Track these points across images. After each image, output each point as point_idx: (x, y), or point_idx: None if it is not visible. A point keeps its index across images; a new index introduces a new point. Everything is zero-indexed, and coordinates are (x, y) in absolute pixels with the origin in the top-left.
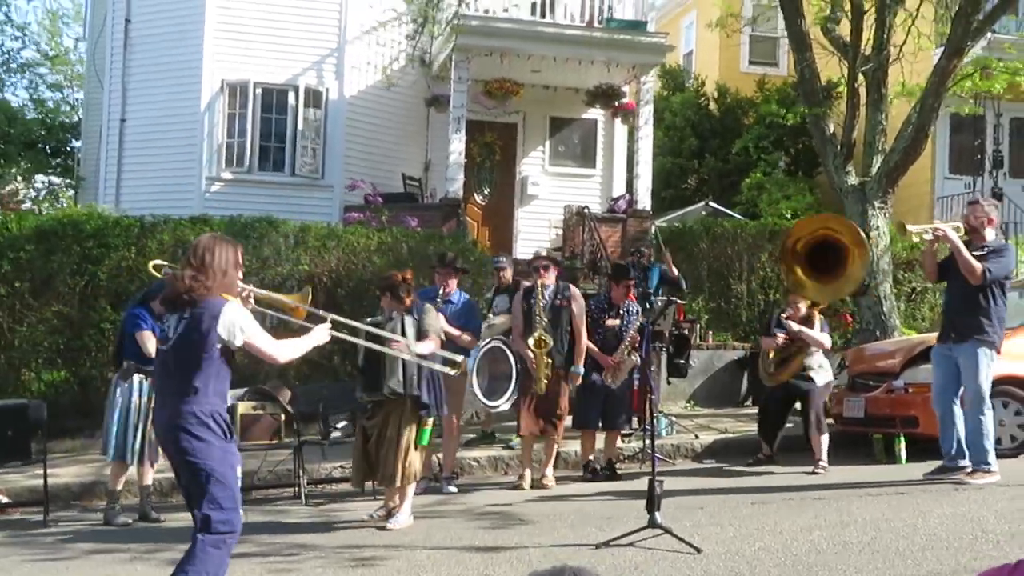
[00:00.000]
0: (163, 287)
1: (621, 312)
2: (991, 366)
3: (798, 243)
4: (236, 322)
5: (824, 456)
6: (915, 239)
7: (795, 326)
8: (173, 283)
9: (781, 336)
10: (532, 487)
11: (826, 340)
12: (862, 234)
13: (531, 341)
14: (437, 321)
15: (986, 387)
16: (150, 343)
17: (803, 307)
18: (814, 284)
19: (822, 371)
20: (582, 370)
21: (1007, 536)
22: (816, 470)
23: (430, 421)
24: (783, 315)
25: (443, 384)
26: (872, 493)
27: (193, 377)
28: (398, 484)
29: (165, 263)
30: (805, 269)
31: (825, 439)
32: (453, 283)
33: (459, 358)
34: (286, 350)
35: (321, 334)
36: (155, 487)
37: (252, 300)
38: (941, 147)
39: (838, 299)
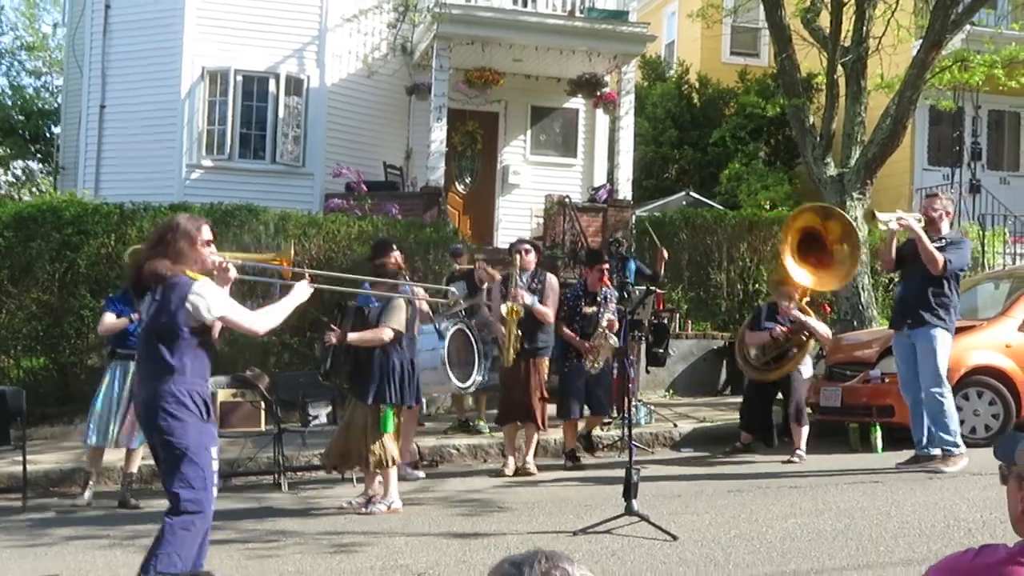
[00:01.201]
0: None
1: (598, 299)
2: (947, 349)
3: (796, 234)
4: (204, 300)
5: (803, 446)
6: (891, 225)
7: (802, 316)
8: (134, 265)
9: (780, 328)
10: (515, 474)
11: (827, 332)
12: (851, 223)
13: (504, 308)
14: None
15: (943, 368)
16: (102, 323)
17: (796, 298)
18: (813, 271)
19: (807, 367)
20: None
21: (978, 524)
22: (792, 459)
23: (386, 408)
24: (786, 306)
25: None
26: (847, 482)
27: (167, 356)
28: (371, 469)
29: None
30: (799, 259)
31: (805, 430)
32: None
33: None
34: (265, 319)
35: (302, 291)
36: (137, 473)
37: (232, 271)
38: (920, 139)
39: (834, 287)
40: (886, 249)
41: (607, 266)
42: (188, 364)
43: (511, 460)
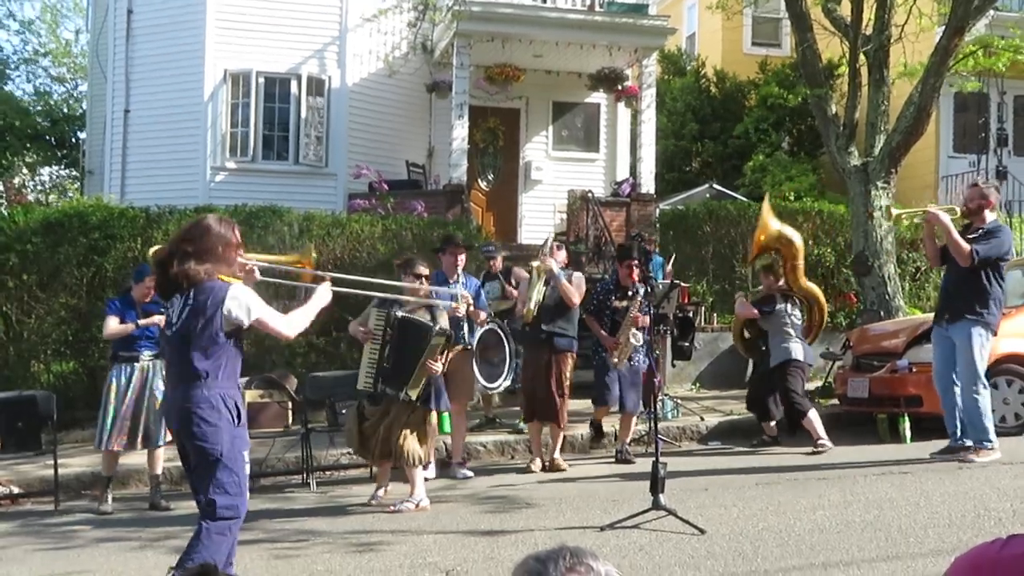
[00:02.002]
0: (137, 272)
1: (630, 293)
2: (986, 345)
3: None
4: (242, 304)
5: (823, 433)
6: (916, 220)
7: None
8: (162, 266)
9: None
10: (543, 471)
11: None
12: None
13: (534, 263)
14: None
15: (981, 366)
16: (106, 327)
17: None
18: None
19: (799, 344)
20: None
21: (1009, 514)
22: (817, 449)
23: (434, 413)
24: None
25: (441, 378)
26: (875, 473)
27: (201, 361)
28: (399, 463)
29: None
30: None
31: (814, 414)
32: (463, 259)
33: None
34: (296, 322)
35: (324, 294)
36: (164, 475)
37: (257, 273)
38: (945, 126)
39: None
40: (929, 245)
41: (636, 261)
42: (222, 369)
43: (538, 459)
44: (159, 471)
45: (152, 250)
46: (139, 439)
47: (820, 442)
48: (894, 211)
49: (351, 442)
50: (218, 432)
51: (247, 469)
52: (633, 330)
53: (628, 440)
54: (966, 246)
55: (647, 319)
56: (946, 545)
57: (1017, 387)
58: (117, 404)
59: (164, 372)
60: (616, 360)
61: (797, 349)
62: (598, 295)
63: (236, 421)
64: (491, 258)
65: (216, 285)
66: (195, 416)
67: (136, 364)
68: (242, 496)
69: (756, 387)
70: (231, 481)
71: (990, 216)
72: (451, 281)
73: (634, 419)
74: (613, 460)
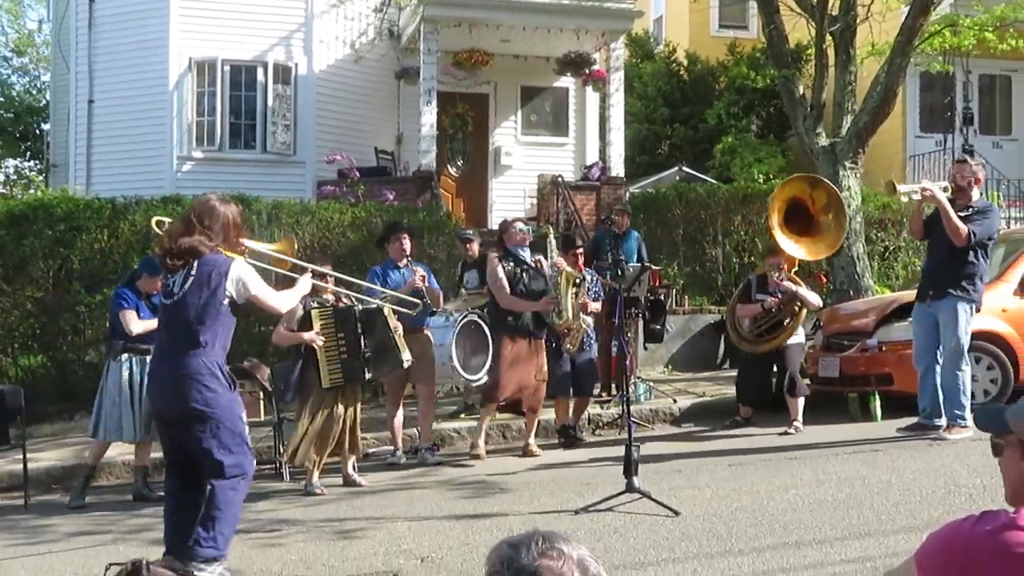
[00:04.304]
0: (149, 265)
1: (577, 281)
2: (970, 322)
3: (784, 204)
4: (243, 278)
5: (799, 417)
6: (903, 199)
7: (793, 285)
8: (172, 240)
9: (770, 301)
10: (524, 456)
11: (818, 300)
12: (837, 192)
13: (564, 268)
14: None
15: (965, 342)
16: (133, 322)
17: (785, 269)
18: (802, 242)
19: (798, 331)
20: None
21: (979, 489)
22: (789, 430)
23: None
24: (776, 277)
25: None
26: (847, 451)
27: (201, 331)
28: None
29: (166, 219)
30: (786, 230)
31: (801, 401)
32: (408, 244)
33: (416, 301)
34: (286, 300)
35: (305, 283)
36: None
37: (247, 254)
38: (911, 106)
39: (825, 256)
40: (915, 219)
41: (581, 250)
42: (219, 339)
43: (480, 442)
44: (147, 463)
45: (155, 220)
46: (136, 430)
47: (796, 424)
48: (898, 187)
49: (307, 449)
50: (218, 397)
51: (246, 429)
52: (582, 315)
53: (579, 421)
54: (963, 227)
55: (598, 305)
56: (918, 522)
57: (986, 364)
58: (124, 395)
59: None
60: (569, 346)
61: (800, 333)
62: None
63: (232, 387)
64: (468, 241)
65: (220, 259)
66: (196, 383)
67: (148, 356)
68: (245, 454)
69: (756, 380)
70: (234, 441)
71: (976, 194)
72: (400, 266)
73: (588, 402)
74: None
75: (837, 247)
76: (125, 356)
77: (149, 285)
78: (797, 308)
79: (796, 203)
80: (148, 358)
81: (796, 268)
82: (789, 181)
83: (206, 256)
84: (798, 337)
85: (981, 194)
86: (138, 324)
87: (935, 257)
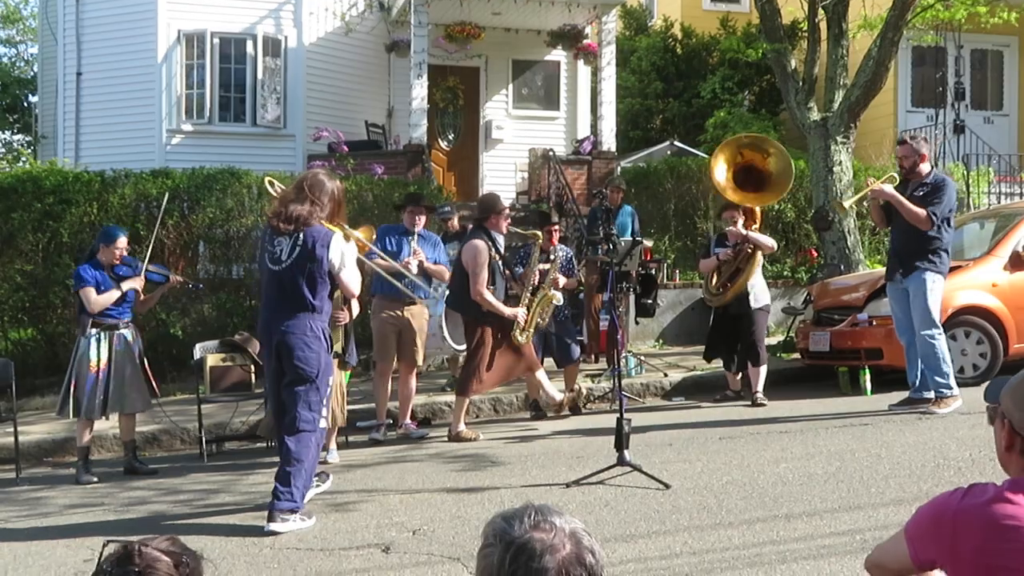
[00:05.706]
0: (105, 235)
1: (552, 257)
2: (938, 291)
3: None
4: (343, 251)
5: (760, 388)
6: (866, 203)
7: (743, 230)
8: (283, 205)
9: (724, 252)
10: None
11: (771, 242)
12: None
13: (555, 297)
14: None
15: (935, 310)
16: (92, 300)
17: (740, 220)
18: (746, 195)
19: (762, 293)
20: None
21: (968, 463)
22: (758, 403)
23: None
24: (735, 230)
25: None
26: (837, 425)
27: (310, 295)
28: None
29: (276, 180)
30: (740, 189)
31: (763, 370)
32: (423, 220)
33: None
34: (359, 285)
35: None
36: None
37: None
38: (903, 80)
39: (770, 203)
40: (874, 213)
41: (556, 226)
42: (324, 304)
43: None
44: (133, 436)
45: (266, 179)
46: (117, 406)
47: (756, 395)
48: (843, 202)
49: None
50: (318, 357)
51: (329, 391)
52: (553, 290)
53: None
54: (922, 212)
55: (574, 281)
56: (907, 495)
57: (975, 338)
58: (96, 372)
59: (263, 300)
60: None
61: (765, 294)
62: (521, 260)
63: (330, 349)
64: (447, 219)
65: (323, 230)
66: (302, 342)
67: (115, 332)
68: (320, 414)
69: (723, 339)
70: (315, 400)
71: (926, 168)
72: (409, 235)
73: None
74: (530, 415)
75: (787, 188)
76: (94, 331)
77: (108, 255)
78: (750, 251)
79: (744, 166)
80: (115, 333)
81: (757, 225)
82: (725, 143)
83: (313, 227)
84: (764, 299)
85: (932, 167)
86: (97, 301)
87: (900, 238)
